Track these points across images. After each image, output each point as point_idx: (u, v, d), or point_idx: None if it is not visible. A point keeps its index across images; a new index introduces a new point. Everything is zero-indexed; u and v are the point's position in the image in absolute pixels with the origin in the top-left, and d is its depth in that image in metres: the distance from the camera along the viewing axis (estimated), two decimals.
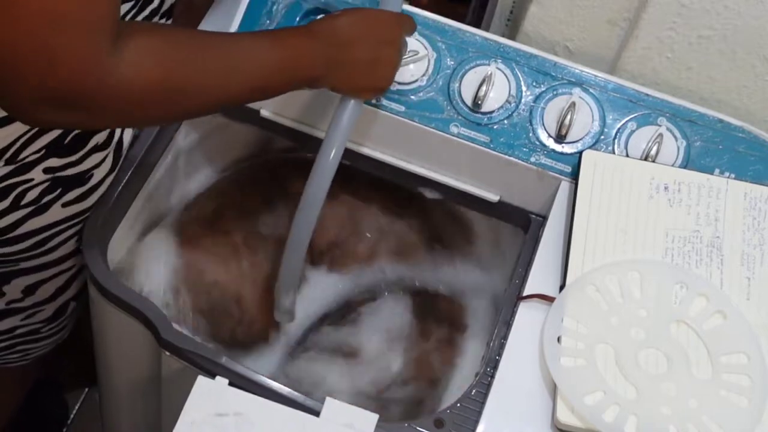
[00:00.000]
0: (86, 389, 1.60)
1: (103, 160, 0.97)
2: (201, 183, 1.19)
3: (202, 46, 0.77)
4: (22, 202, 0.93)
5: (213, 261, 1.11)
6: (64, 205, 0.97)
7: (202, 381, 0.84)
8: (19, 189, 0.92)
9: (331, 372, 1.09)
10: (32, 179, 0.92)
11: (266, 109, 1.06)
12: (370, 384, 1.09)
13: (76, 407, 1.59)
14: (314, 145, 1.06)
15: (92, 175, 0.97)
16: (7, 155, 0.88)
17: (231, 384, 0.84)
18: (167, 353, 0.93)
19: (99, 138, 0.95)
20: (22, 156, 0.89)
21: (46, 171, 0.92)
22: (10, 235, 0.96)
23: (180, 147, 1.12)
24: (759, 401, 0.86)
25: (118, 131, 0.98)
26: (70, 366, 1.59)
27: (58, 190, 0.95)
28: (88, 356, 1.16)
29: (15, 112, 0.72)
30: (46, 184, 0.93)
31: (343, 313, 1.14)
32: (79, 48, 0.66)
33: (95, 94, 0.68)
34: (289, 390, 0.89)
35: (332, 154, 0.90)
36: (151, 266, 1.09)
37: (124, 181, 1.01)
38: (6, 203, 0.92)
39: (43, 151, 0.91)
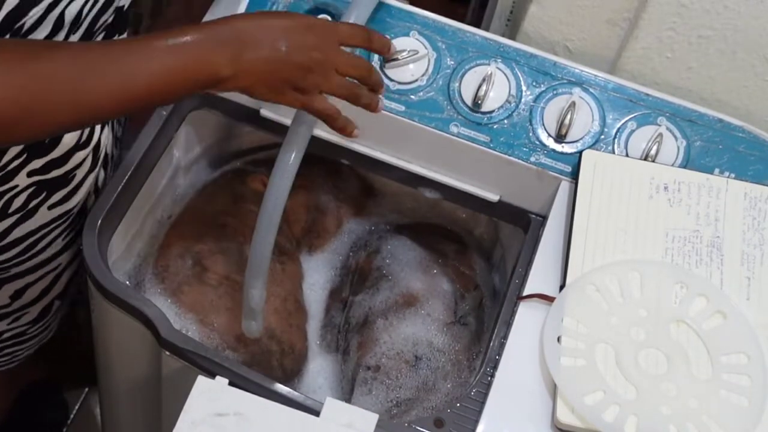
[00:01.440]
0: (86, 389, 1.60)
1: (83, 160, 0.97)
2: (201, 182, 1.19)
3: (58, 57, 0.73)
4: (10, 210, 0.94)
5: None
6: (50, 207, 0.97)
7: (202, 381, 0.84)
8: (6, 197, 0.92)
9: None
10: (17, 186, 0.92)
11: (266, 109, 1.06)
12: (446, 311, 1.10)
13: (76, 407, 1.59)
14: (314, 143, 1.07)
15: (75, 176, 0.97)
16: None
17: (231, 384, 0.84)
18: (167, 353, 0.93)
19: (78, 137, 0.95)
20: (3, 161, 0.89)
21: (30, 174, 0.92)
22: (1, 243, 0.96)
23: (179, 146, 1.12)
24: (759, 401, 0.86)
25: (96, 131, 0.97)
26: (70, 366, 1.59)
27: (44, 194, 0.95)
28: (88, 356, 1.16)
29: None
30: (31, 189, 0.93)
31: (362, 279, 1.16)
32: None
33: None
34: (289, 390, 0.89)
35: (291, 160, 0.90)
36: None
37: (124, 181, 1.01)
38: None
39: (24, 155, 0.90)
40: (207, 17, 1.09)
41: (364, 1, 0.94)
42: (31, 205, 0.95)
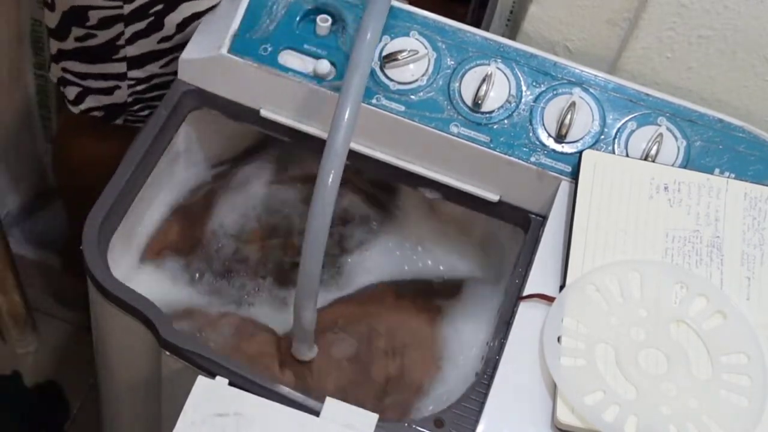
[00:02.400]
0: (86, 389, 1.60)
1: None
2: (201, 182, 1.19)
3: None
4: None
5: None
6: None
7: (202, 381, 0.84)
8: None
9: None
10: None
11: (266, 109, 1.06)
12: None
13: (76, 407, 1.59)
14: (314, 143, 1.07)
15: None
16: None
17: (231, 384, 0.84)
18: (167, 353, 0.93)
19: None
20: None
21: None
22: None
23: (180, 147, 1.12)
24: (759, 401, 0.86)
25: None
26: (71, 366, 1.59)
27: None
28: (89, 356, 1.16)
29: None
30: None
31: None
32: None
33: None
34: (289, 390, 0.89)
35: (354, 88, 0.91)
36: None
37: (125, 181, 1.01)
38: None
39: None
40: (207, 18, 1.09)
41: (378, 8, 0.95)
42: None
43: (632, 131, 1.01)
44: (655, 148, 0.99)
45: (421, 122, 1.01)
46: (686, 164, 1.00)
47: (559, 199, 0.99)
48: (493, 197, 1.04)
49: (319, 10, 1.04)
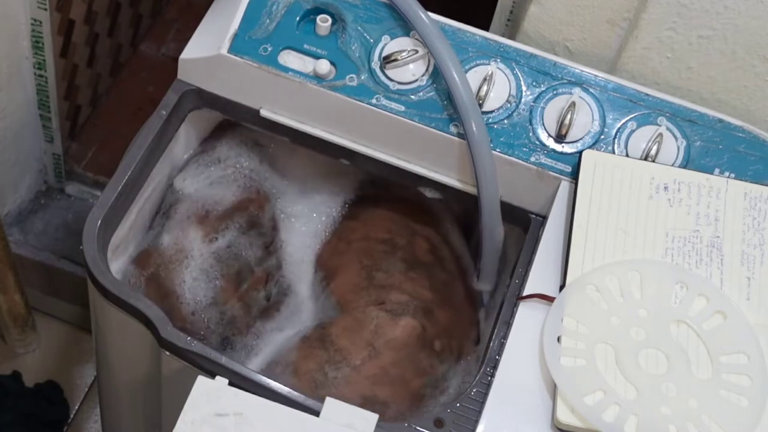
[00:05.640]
0: (86, 389, 1.60)
1: None
2: (200, 182, 1.19)
3: None
4: None
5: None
6: None
7: (202, 381, 0.84)
8: None
9: None
10: None
11: (266, 109, 1.06)
12: None
13: (76, 407, 1.59)
14: (313, 142, 1.07)
15: None
16: None
17: (231, 384, 0.84)
18: (167, 353, 0.93)
19: None
20: None
21: None
22: None
23: (179, 146, 1.12)
24: (759, 401, 0.86)
25: None
26: (71, 366, 1.59)
27: None
28: (89, 356, 1.16)
29: None
30: None
31: None
32: None
33: None
34: (289, 390, 0.89)
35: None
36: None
37: (124, 181, 1.01)
38: None
39: None
40: (207, 18, 1.09)
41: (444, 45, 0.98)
42: None
43: (632, 131, 1.01)
44: (655, 148, 0.99)
45: (421, 122, 1.01)
46: (686, 164, 1.00)
47: (559, 199, 0.99)
48: None
49: (319, 10, 1.04)
